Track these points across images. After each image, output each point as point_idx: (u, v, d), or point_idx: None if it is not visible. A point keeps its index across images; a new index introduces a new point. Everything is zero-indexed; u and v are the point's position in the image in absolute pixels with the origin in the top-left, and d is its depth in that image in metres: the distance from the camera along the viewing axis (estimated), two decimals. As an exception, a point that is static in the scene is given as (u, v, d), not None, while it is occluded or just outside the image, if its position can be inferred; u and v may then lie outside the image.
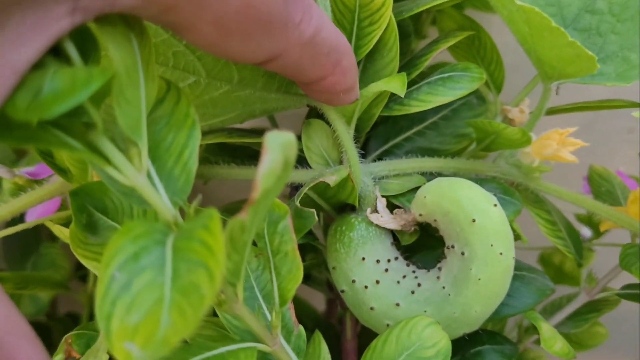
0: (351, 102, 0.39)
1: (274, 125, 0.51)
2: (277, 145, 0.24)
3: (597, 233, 0.57)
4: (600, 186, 0.51)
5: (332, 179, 0.36)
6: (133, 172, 0.24)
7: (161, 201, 0.25)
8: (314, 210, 0.33)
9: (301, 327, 0.34)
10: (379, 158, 0.45)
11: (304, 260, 0.47)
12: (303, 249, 0.48)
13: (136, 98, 0.24)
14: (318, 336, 0.41)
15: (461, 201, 0.38)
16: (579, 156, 0.51)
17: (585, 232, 0.60)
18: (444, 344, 0.34)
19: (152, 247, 0.22)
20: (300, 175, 0.41)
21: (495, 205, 0.38)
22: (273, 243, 0.32)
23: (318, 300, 0.61)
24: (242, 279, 0.28)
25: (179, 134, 0.27)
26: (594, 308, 0.49)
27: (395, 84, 0.38)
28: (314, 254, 0.48)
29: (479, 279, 0.37)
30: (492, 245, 0.37)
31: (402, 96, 0.38)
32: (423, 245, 0.45)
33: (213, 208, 0.23)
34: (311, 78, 0.33)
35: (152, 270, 0.21)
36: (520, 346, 0.49)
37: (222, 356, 0.27)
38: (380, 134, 0.47)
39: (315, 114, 0.46)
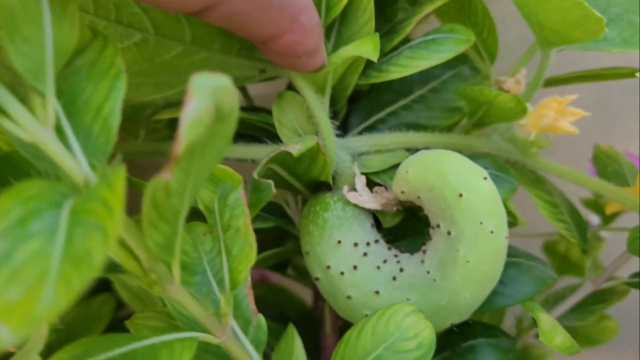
0: (318, 68, 0.35)
1: (249, 102, 0.47)
2: (205, 90, 0.20)
3: (606, 220, 0.53)
4: (607, 166, 0.47)
5: (295, 148, 0.32)
6: (35, 126, 0.20)
7: (71, 160, 0.21)
8: (271, 181, 0.29)
9: (261, 317, 0.29)
10: (361, 135, 0.41)
11: (282, 246, 0.43)
12: (283, 234, 0.45)
13: (38, 37, 0.20)
14: (291, 331, 0.37)
15: (447, 174, 0.34)
16: (591, 137, 0.47)
17: (593, 219, 0.56)
18: (427, 335, 0.30)
19: (45, 210, 0.18)
20: (265, 151, 0.37)
21: (486, 178, 0.34)
22: (223, 218, 0.28)
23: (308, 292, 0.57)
24: (177, 256, 0.24)
25: (100, 85, 0.23)
26: (600, 298, 0.45)
27: (367, 47, 0.34)
28: (295, 240, 0.44)
29: (468, 261, 0.33)
30: (481, 223, 0.33)
31: (375, 61, 0.34)
32: (410, 230, 0.41)
33: (121, 165, 0.19)
34: (263, 35, 0.29)
35: (41, 237, 0.17)
36: (519, 341, 0.45)
37: (154, 347, 0.23)
38: (362, 108, 0.43)
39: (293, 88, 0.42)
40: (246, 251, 0.27)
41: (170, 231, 0.23)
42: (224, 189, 0.28)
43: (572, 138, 0.63)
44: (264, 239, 0.46)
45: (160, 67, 0.33)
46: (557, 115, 0.37)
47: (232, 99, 0.22)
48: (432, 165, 0.34)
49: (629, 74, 0.42)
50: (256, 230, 0.46)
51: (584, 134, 0.62)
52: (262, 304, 0.57)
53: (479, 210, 0.33)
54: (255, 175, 0.30)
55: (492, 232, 0.33)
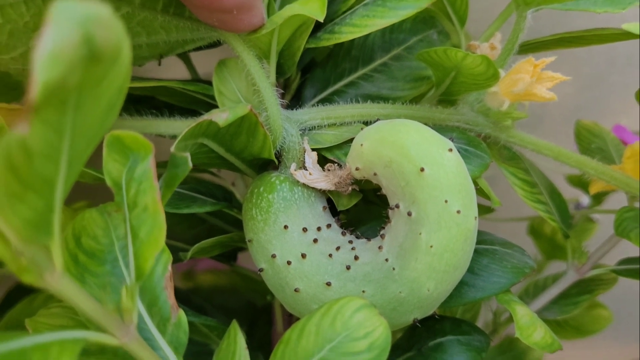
0: (255, 27, 0.30)
1: (193, 72, 0.42)
2: (69, 19, 0.16)
3: (596, 200, 0.48)
4: (590, 143, 0.43)
5: (221, 117, 0.27)
6: None
7: None
8: (188, 154, 0.24)
9: (182, 315, 0.25)
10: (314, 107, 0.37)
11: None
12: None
13: None
14: (234, 328, 0.33)
15: (406, 147, 0.29)
16: (585, 113, 0.42)
17: (584, 199, 0.52)
18: (381, 334, 0.25)
19: None
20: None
21: (451, 150, 0.29)
22: (129, 194, 0.23)
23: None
24: (56, 236, 0.19)
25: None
26: (585, 289, 0.40)
27: (313, 5, 0.30)
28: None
29: (431, 246, 0.28)
30: (446, 202, 0.28)
31: (321, 20, 0.30)
32: (374, 214, 0.36)
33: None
34: None
35: None
36: (495, 337, 0.40)
37: (23, 351, 0.18)
38: (318, 79, 0.38)
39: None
40: (155, 234, 0.22)
41: (42, 205, 0.18)
42: (134, 161, 0.23)
43: (567, 114, 0.58)
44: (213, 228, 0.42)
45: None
46: (532, 80, 0.32)
47: (114, 35, 0.17)
48: (389, 137, 0.30)
49: (618, 36, 0.37)
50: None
51: (580, 110, 0.58)
52: (231, 293, 0.53)
53: (443, 187, 0.28)
54: (172, 149, 0.25)
55: (458, 211, 0.28)
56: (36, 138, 0.16)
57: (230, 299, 0.51)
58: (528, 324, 0.31)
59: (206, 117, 0.27)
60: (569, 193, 0.50)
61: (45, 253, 0.19)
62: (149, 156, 0.23)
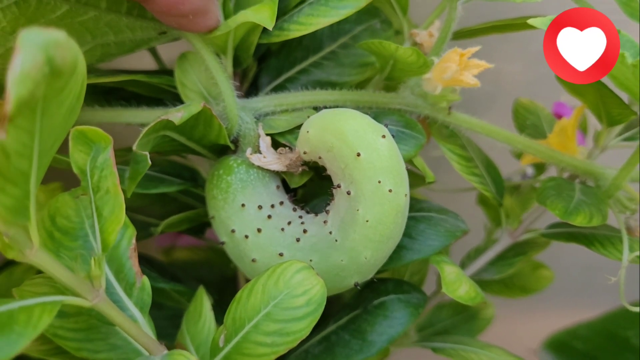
0: (210, 28, 0.34)
1: (160, 65, 0.46)
2: (34, 44, 0.20)
3: (540, 170, 0.53)
4: (526, 119, 0.47)
5: (177, 117, 0.31)
6: None
7: None
8: (146, 153, 0.29)
9: (145, 280, 0.29)
10: (267, 95, 0.40)
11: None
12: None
13: None
14: (201, 293, 0.37)
15: (345, 133, 0.33)
16: (535, 89, 0.46)
17: (529, 170, 0.56)
18: (317, 291, 0.30)
19: None
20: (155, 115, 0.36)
21: (384, 136, 0.33)
22: (93, 179, 0.27)
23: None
24: (33, 219, 0.23)
25: None
26: (519, 251, 0.45)
27: (264, 14, 0.33)
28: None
29: (367, 221, 0.33)
30: (379, 182, 0.32)
31: (270, 29, 0.33)
32: (326, 190, 0.40)
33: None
34: None
35: None
36: (438, 295, 0.45)
37: (10, 313, 0.23)
38: (272, 67, 0.42)
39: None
40: (116, 212, 0.26)
41: (20, 194, 0.22)
42: (96, 151, 0.28)
43: (518, 91, 0.62)
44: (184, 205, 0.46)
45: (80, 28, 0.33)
46: (458, 68, 0.36)
47: (70, 54, 0.21)
48: (330, 125, 0.34)
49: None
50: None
51: (529, 86, 0.62)
52: (205, 266, 0.57)
53: (377, 169, 0.33)
54: (134, 147, 0.29)
55: (390, 190, 0.33)
56: (12, 141, 0.20)
57: (204, 271, 0.55)
58: (454, 280, 0.36)
59: (163, 117, 0.31)
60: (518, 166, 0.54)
61: (25, 233, 0.23)
62: (108, 147, 0.27)
